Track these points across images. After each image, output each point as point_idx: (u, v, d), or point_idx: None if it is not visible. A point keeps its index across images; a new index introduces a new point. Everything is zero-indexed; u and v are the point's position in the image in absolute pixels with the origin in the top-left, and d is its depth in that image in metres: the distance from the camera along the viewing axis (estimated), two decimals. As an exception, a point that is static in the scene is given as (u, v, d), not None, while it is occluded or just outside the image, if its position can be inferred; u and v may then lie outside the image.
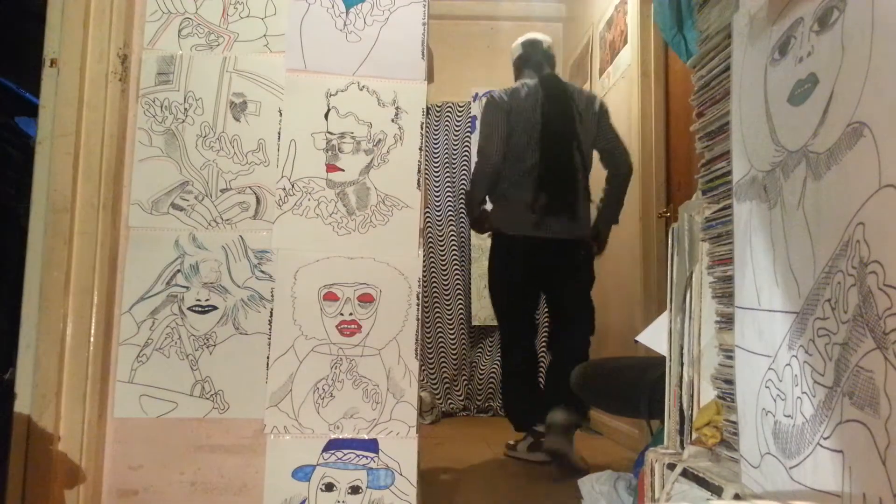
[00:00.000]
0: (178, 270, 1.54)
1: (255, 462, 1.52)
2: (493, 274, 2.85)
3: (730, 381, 1.17)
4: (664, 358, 1.42)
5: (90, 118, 1.49)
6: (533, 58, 2.84)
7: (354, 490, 1.51)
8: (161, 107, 1.57)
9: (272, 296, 1.55)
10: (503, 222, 2.73)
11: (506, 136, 2.68)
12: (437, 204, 4.23)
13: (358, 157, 1.59)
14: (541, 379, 3.02)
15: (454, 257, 4.15)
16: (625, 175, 2.75)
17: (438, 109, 4.35)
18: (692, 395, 1.29)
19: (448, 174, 4.31)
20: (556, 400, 2.56)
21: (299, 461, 1.51)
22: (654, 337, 1.53)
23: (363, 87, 1.61)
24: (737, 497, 1.02)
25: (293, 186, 1.57)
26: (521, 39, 2.93)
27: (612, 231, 3.08)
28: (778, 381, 0.96)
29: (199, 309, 1.54)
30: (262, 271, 1.56)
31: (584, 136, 2.68)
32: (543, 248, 2.63)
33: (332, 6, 1.61)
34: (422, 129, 1.61)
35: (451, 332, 4.14)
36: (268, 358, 1.54)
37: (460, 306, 4.17)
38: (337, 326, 1.55)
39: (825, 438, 0.84)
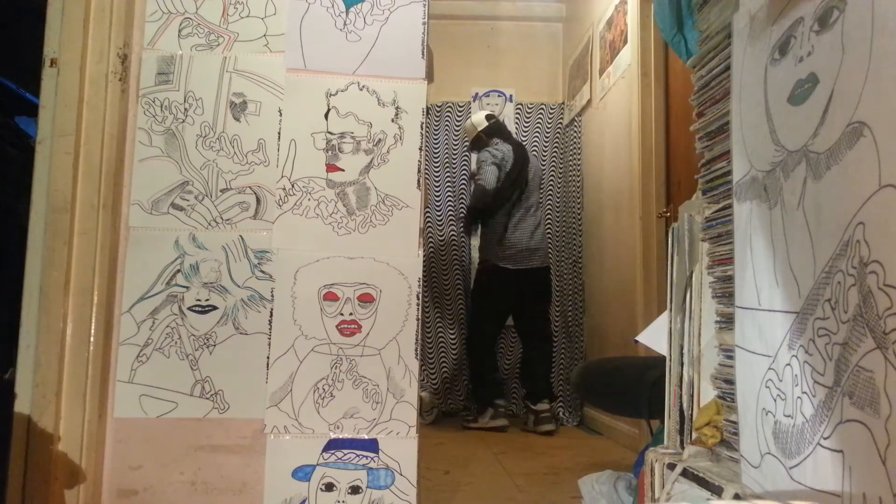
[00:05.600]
0: (178, 270, 1.54)
1: (255, 462, 1.52)
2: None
3: (730, 381, 1.17)
4: (664, 358, 1.42)
5: (90, 118, 1.49)
6: (500, 128, 3.76)
7: (354, 490, 1.51)
8: (161, 107, 1.57)
9: (272, 296, 1.55)
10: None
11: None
12: (437, 204, 4.23)
13: (358, 157, 1.59)
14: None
15: (454, 257, 4.14)
16: None
17: (438, 109, 4.34)
18: (692, 395, 1.29)
19: (448, 174, 4.30)
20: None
21: (299, 461, 1.51)
22: (654, 337, 1.53)
23: (363, 86, 1.61)
24: (737, 497, 1.02)
25: (293, 186, 1.57)
26: (481, 114, 3.78)
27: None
28: (778, 381, 0.96)
29: (199, 309, 1.54)
30: (262, 271, 1.56)
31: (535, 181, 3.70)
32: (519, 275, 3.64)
33: (332, 6, 1.61)
34: (422, 128, 1.61)
35: (451, 332, 4.14)
36: (268, 358, 1.54)
37: (460, 306, 4.16)
38: (337, 326, 1.55)
39: (825, 438, 0.84)
